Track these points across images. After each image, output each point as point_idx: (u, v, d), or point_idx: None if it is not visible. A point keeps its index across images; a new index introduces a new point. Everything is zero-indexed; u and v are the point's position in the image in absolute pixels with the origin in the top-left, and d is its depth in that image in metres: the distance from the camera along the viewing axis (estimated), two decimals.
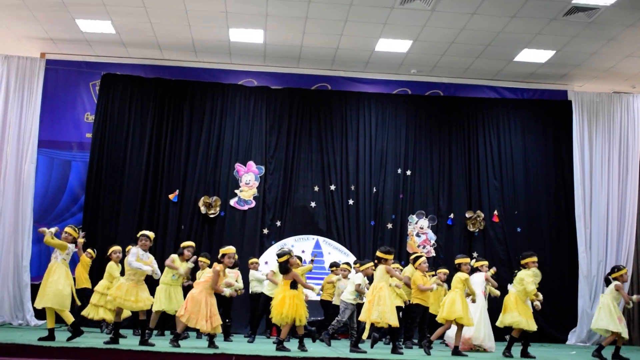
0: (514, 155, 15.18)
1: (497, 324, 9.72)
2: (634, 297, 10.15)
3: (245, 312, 12.59)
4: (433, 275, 11.45)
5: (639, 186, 14.68)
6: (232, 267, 11.05)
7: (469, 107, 15.28)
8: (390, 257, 9.26)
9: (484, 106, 15.32)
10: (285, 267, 9.19)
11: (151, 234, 9.37)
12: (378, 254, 9.27)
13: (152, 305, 9.67)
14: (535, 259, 9.61)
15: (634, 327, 14.63)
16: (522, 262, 9.61)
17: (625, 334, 9.75)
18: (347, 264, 12.12)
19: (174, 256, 10.83)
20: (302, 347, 8.99)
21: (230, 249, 9.33)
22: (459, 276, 9.55)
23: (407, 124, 15.13)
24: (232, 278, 11.16)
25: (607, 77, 14.84)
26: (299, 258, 10.91)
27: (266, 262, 13.48)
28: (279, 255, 9.28)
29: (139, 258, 8.97)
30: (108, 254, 11.48)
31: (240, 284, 11.50)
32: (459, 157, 15.11)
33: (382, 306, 8.87)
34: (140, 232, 9.47)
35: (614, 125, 14.91)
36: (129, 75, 14.57)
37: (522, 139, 15.28)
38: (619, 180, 14.69)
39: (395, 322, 8.88)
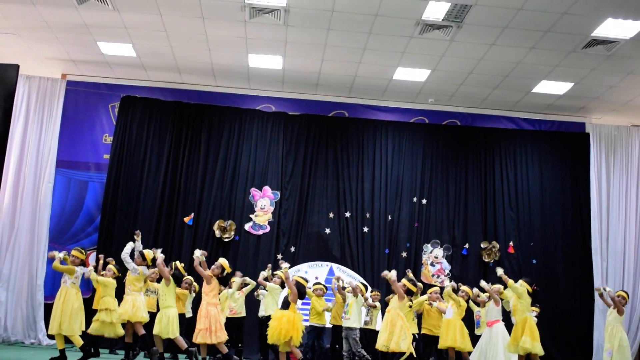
0: (530, 187, 15.10)
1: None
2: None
3: (256, 337, 12.53)
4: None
5: None
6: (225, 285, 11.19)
7: (486, 137, 15.25)
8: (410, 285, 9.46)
9: (501, 137, 15.29)
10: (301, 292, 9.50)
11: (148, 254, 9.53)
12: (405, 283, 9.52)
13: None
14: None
15: None
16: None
17: None
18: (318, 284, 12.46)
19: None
20: None
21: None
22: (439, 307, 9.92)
23: (423, 152, 15.11)
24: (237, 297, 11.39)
25: (626, 110, 14.79)
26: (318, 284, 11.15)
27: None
28: None
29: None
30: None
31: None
32: (475, 187, 15.06)
33: (395, 334, 8.90)
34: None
35: (632, 158, 14.84)
36: (148, 97, 14.69)
37: (539, 170, 15.22)
38: (637, 213, 14.58)
39: (405, 349, 8.89)
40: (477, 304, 11.70)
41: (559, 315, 14.33)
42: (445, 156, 15.16)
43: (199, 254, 9.46)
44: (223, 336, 9.39)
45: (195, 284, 12.17)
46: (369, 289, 12.48)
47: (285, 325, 9.06)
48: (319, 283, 12.52)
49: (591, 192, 14.63)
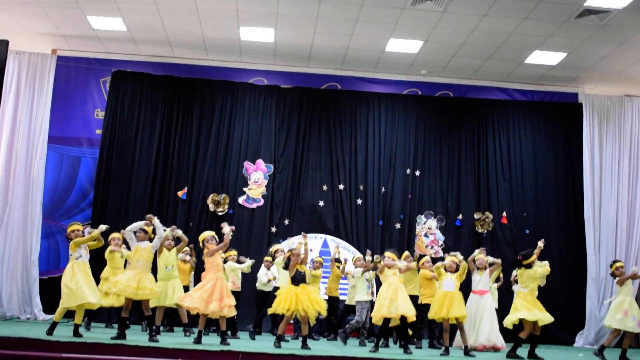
0: (523, 157, 15.14)
1: (508, 323, 9.69)
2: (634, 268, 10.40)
3: (252, 310, 12.59)
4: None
5: None
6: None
7: (479, 108, 15.25)
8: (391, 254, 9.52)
9: (494, 108, 15.29)
10: (286, 264, 9.54)
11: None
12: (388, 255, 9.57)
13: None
14: (534, 256, 9.78)
15: None
16: (527, 262, 9.59)
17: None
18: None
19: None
20: (305, 345, 8.97)
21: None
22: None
23: (416, 124, 15.11)
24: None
25: (619, 80, 14.78)
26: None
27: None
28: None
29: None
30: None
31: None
32: (468, 158, 15.08)
33: (379, 303, 9.05)
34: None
35: (625, 128, 14.86)
36: (139, 72, 14.61)
37: (531, 141, 15.24)
38: (629, 183, 14.63)
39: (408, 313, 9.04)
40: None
41: (552, 285, 14.41)
42: (438, 128, 15.16)
43: (228, 230, 9.33)
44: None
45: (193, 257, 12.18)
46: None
47: (289, 300, 9.08)
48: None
49: (584, 162, 14.66)
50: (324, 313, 9.45)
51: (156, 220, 9.29)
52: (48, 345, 7.79)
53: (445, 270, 9.83)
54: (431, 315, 9.74)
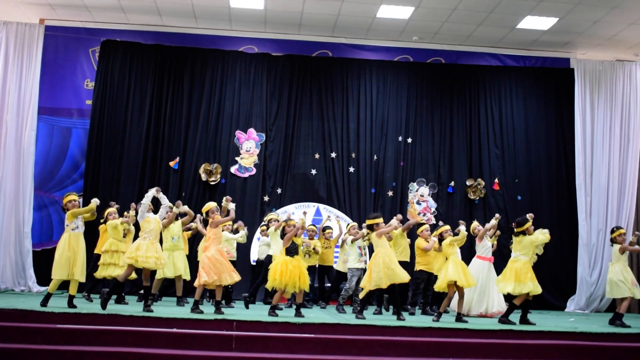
0: (515, 123, 15.14)
1: (503, 291, 9.72)
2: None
3: (246, 279, 12.64)
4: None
5: (639, 155, 14.67)
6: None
7: (471, 74, 15.20)
8: (378, 220, 9.46)
9: (486, 74, 15.24)
10: (281, 234, 9.49)
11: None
12: (367, 222, 9.47)
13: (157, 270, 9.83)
14: (530, 221, 9.72)
15: None
16: (521, 229, 9.61)
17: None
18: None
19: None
20: (299, 313, 9.03)
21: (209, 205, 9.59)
22: (445, 242, 9.81)
23: (408, 91, 15.07)
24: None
25: (610, 45, 14.74)
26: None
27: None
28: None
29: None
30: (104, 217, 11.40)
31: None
32: (460, 124, 15.07)
33: (377, 272, 9.00)
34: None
35: (616, 93, 14.85)
36: (128, 41, 14.48)
37: (523, 106, 15.23)
38: (620, 148, 14.66)
39: (400, 279, 9.05)
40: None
41: (544, 250, 14.49)
42: (430, 94, 15.13)
43: (233, 206, 9.32)
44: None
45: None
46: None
47: (284, 274, 9.08)
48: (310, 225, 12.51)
49: (575, 127, 14.67)
50: (307, 289, 9.40)
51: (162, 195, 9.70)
52: (42, 316, 7.81)
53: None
54: (441, 285, 9.69)
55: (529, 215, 9.83)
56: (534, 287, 9.36)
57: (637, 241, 10.42)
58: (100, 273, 10.83)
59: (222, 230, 11.19)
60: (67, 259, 8.89)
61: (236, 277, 9.08)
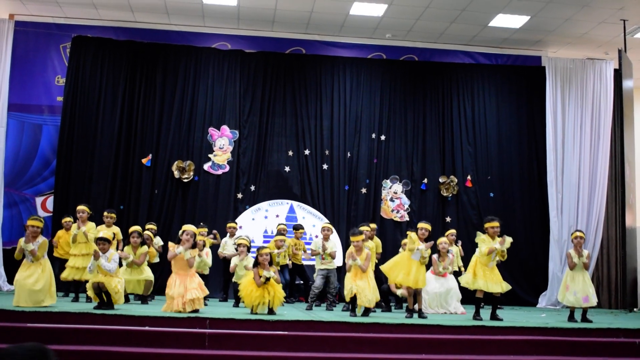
0: (487, 121, 15.25)
1: (464, 284, 9.70)
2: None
3: (219, 276, 12.61)
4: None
5: (609, 152, 14.86)
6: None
7: (444, 72, 15.28)
8: (357, 238, 9.33)
9: (459, 71, 15.33)
10: (255, 262, 9.16)
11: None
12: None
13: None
14: (494, 224, 9.30)
15: (603, 291, 14.92)
16: (484, 225, 9.56)
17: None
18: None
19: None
20: (271, 311, 8.94)
21: (189, 227, 9.00)
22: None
23: (381, 88, 15.11)
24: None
25: (581, 43, 14.90)
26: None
27: (240, 227, 13.52)
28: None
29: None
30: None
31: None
32: (433, 122, 15.15)
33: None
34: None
35: (587, 91, 15.00)
36: (100, 37, 14.35)
37: (495, 104, 15.35)
38: (591, 146, 14.82)
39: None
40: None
41: (515, 247, 14.56)
42: (403, 92, 15.18)
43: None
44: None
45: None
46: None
47: (259, 296, 8.94)
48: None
49: (547, 125, 14.81)
50: (279, 305, 9.24)
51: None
52: (12, 315, 7.73)
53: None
54: (397, 279, 9.66)
55: (496, 220, 9.44)
56: (494, 288, 9.29)
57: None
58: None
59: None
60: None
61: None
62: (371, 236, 11.16)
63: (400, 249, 11.03)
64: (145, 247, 10.60)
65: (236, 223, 12.98)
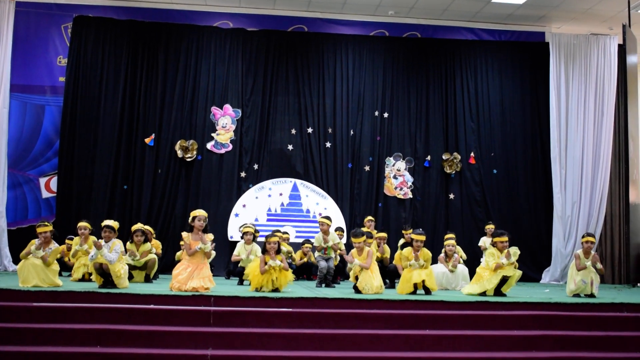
0: (490, 97, 15.20)
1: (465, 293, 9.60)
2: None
3: (225, 255, 12.65)
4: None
5: (613, 128, 14.82)
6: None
7: (447, 49, 15.21)
8: (358, 239, 9.30)
9: (462, 48, 15.25)
10: (263, 248, 9.25)
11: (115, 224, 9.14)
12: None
13: None
14: (503, 239, 9.14)
15: (606, 266, 14.92)
16: (493, 239, 9.43)
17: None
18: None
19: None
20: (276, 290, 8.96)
21: (200, 212, 8.90)
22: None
23: (384, 66, 15.05)
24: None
25: (585, 18, 14.81)
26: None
27: (244, 205, 13.56)
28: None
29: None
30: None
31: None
32: (436, 99, 15.10)
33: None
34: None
35: (591, 67, 14.93)
36: (101, 17, 14.30)
37: (499, 80, 15.29)
38: (595, 122, 14.77)
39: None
40: None
41: (519, 223, 14.69)
42: (406, 69, 15.12)
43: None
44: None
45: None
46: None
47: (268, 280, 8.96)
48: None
49: (550, 101, 14.75)
50: (285, 286, 9.24)
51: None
52: (19, 295, 7.76)
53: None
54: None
55: (505, 235, 9.24)
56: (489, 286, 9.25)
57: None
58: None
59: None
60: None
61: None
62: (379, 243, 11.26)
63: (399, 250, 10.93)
64: (148, 245, 10.67)
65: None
